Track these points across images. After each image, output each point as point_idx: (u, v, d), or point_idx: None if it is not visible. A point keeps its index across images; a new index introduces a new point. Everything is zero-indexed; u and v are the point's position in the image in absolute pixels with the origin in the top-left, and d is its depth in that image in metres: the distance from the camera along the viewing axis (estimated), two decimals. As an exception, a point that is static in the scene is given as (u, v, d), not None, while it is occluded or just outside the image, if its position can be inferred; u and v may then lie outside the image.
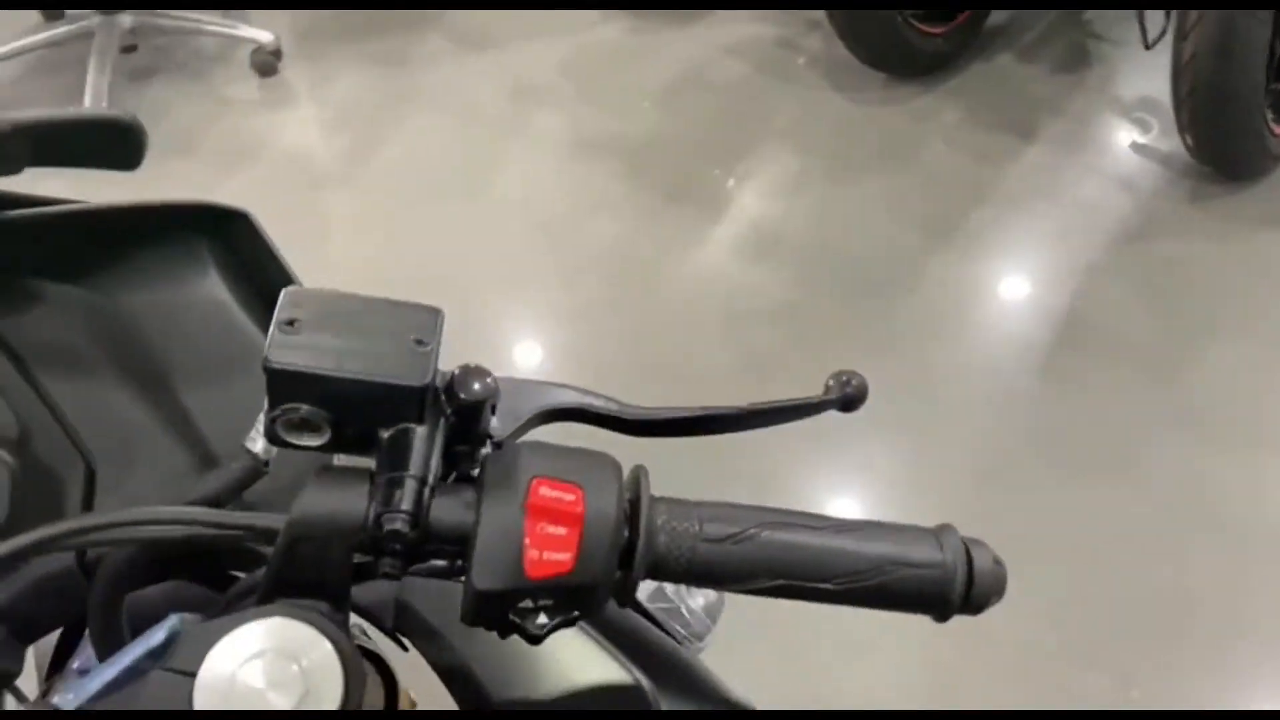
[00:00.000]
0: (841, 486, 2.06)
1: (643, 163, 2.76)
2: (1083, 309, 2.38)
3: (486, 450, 0.60)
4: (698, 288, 2.45)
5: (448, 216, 2.63)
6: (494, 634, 0.62)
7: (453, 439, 0.58)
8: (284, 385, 0.55)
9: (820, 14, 2.88)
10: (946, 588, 0.54)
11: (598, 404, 0.68)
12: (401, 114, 2.94)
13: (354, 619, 0.77)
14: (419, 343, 0.57)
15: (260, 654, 0.54)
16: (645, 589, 1.19)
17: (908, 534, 0.56)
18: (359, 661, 0.56)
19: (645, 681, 0.75)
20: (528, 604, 0.55)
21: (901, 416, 2.08)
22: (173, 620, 0.58)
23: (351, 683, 0.56)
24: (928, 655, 1.78)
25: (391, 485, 0.55)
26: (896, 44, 2.76)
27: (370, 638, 0.82)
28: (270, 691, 0.53)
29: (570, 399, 0.68)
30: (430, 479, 0.56)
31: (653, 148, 2.80)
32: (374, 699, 0.83)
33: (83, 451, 0.79)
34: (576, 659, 0.76)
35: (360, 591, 0.80)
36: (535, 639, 0.56)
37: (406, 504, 0.54)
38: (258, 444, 0.68)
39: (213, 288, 0.54)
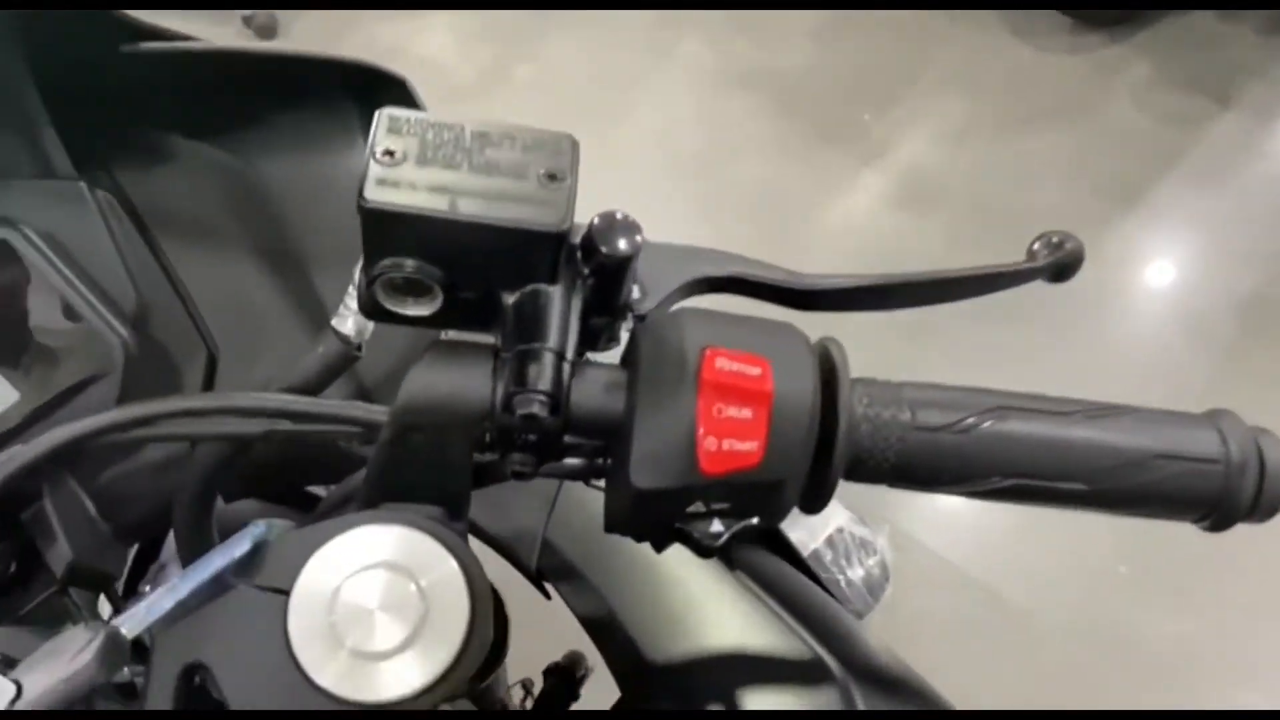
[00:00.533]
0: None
1: (794, 100, 2.58)
2: (1273, 296, 2.14)
3: (628, 324, 0.50)
4: (844, 237, 2.29)
5: (582, 141, 2.48)
6: (649, 584, 0.49)
7: (588, 309, 0.48)
8: (384, 233, 0.45)
9: (1002, -49, 2.65)
10: (1232, 488, 0.45)
11: (760, 272, 0.56)
12: (544, 30, 2.80)
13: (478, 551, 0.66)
14: (551, 177, 0.45)
15: (369, 568, 0.46)
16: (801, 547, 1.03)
17: (1179, 422, 0.47)
18: (486, 584, 0.47)
19: (829, 656, 0.61)
20: (699, 507, 0.46)
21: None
22: (259, 526, 0.47)
23: (478, 611, 0.46)
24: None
25: (524, 360, 0.45)
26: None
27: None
28: (382, 613, 0.44)
29: (726, 265, 0.55)
30: (569, 353, 0.46)
31: (805, 85, 2.62)
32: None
33: (204, 334, 0.69)
34: (745, 621, 0.63)
35: (497, 521, 0.68)
36: (708, 550, 0.47)
37: (544, 382, 0.44)
38: (348, 322, 0.56)
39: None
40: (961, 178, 2.38)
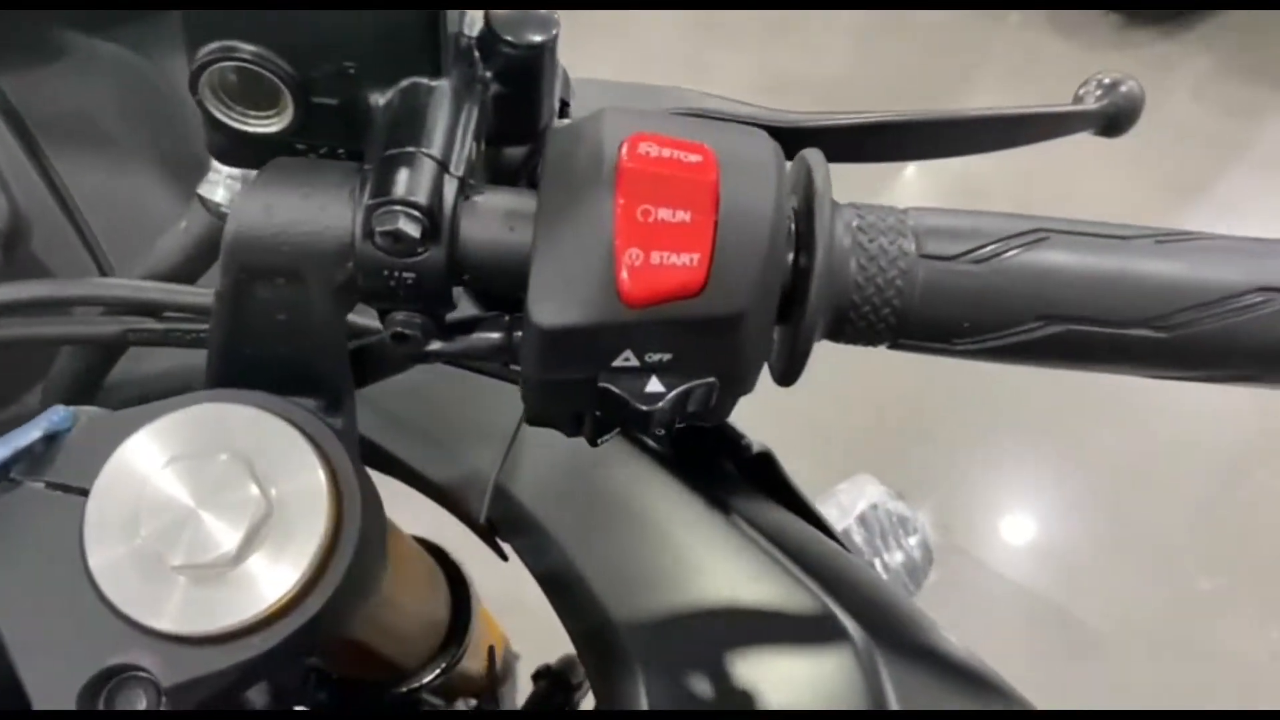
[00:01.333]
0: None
1: (834, 108, 2.46)
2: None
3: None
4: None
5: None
6: (619, 530, 0.41)
7: (496, 133, 0.39)
8: (203, 10, 0.34)
9: (1046, -50, 2.54)
10: None
11: (730, 108, 0.45)
12: (571, 42, 2.73)
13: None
14: None
15: (190, 456, 0.35)
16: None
17: (1273, 247, 0.35)
18: (357, 482, 0.37)
19: (844, 614, 0.49)
20: (627, 358, 0.34)
21: (1134, 412, 1.74)
22: (58, 413, 0.36)
23: (345, 512, 0.36)
24: None
25: (389, 166, 0.34)
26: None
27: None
28: (205, 513, 0.34)
29: (685, 100, 0.45)
30: (455, 165, 0.35)
31: (846, 92, 2.51)
32: (423, 595, 0.60)
33: (94, 252, 0.59)
34: (740, 570, 0.52)
35: (441, 466, 0.57)
36: (643, 422, 0.35)
37: (415, 191, 0.33)
38: (218, 188, 0.45)
39: None
40: (1014, 177, 2.25)
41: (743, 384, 0.36)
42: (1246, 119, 2.32)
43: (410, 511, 0.58)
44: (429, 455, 0.58)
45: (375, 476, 0.40)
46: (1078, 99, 0.51)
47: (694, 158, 0.33)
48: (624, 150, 0.33)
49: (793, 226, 0.35)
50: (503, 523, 0.57)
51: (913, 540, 0.94)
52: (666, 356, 0.34)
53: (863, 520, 0.95)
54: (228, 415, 0.36)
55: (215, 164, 0.46)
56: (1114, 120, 0.49)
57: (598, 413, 0.37)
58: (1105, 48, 2.51)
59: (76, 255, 0.58)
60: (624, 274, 0.32)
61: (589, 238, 0.33)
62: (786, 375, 0.36)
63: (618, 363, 0.34)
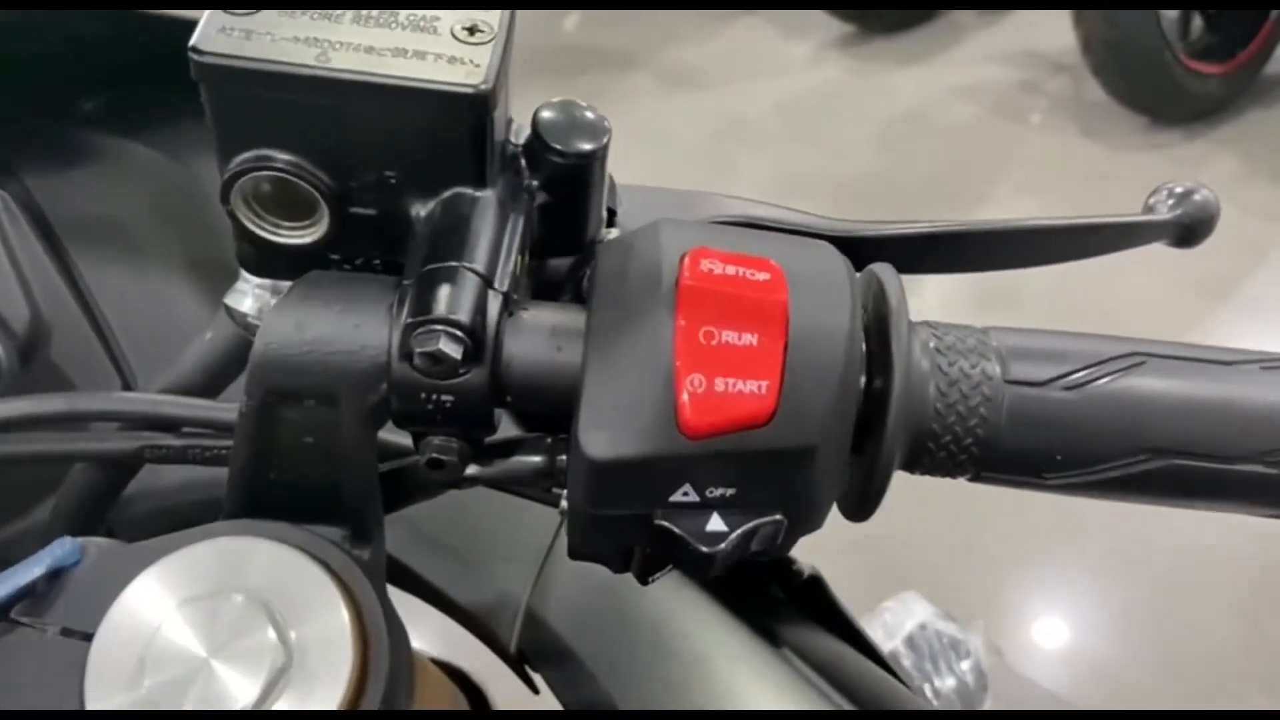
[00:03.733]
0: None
1: (862, 208, 2.47)
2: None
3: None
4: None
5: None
6: (661, 662, 0.42)
7: (541, 245, 0.37)
8: (233, 106, 0.33)
9: (1067, 56, 2.58)
10: None
11: (783, 216, 0.42)
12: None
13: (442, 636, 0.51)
14: (471, 30, 0.33)
15: (203, 598, 0.32)
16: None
17: None
18: (384, 621, 0.34)
19: None
20: (688, 493, 0.31)
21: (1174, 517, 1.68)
22: (64, 546, 0.34)
23: (371, 656, 0.33)
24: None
25: (430, 281, 0.32)
26: (1164, 84, 2.41)
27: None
28: (218, 663, 0.31)
29: (734, 209, 0.42)
30: (500, 280, 0.33)
31: (869, 192, 2.52)
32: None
33: (117, 360, 0.57)
34: (787, 703, 0.48)
35: (468, 587, 0.54)
36: (705, 560, 0.31)
37: (457, 309, 0.31)
38: (246, 297, 0.43)
39: None
40: (1042, 278, 2.23)
41: (812, 521, 0.33)
42: (1271, 218, 2.31)
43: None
44: (455, 576, 0.55)
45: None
46: (1149, 209, 0.48)
47: (761, 275, 0.30)
48: (685, 266, 0.31)
49: (865, 341, 0.32)
50: (534, 651, 0.53)
51: (965, 664, 0.89)
52: (729, 491, 0.31)
53: (911, 642, 0.90)
54: (245, 550, 0.33)
55: (243, 273, 0.44)
56: (1188, 231, 0.47)
57: (649, 550, 0.34)
58: (1131, 149, 2.51)
59: (98, 364, 0.56)
60: (685, 402, 0.29)
61: (646, 361, 0.30)
62: (860, 510, 0.33)
63: (676, 498, 0.31)
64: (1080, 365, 0.32)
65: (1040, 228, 0.44)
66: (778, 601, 0.54)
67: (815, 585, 0.53)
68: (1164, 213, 0.47)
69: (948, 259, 0.44)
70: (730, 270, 0.30)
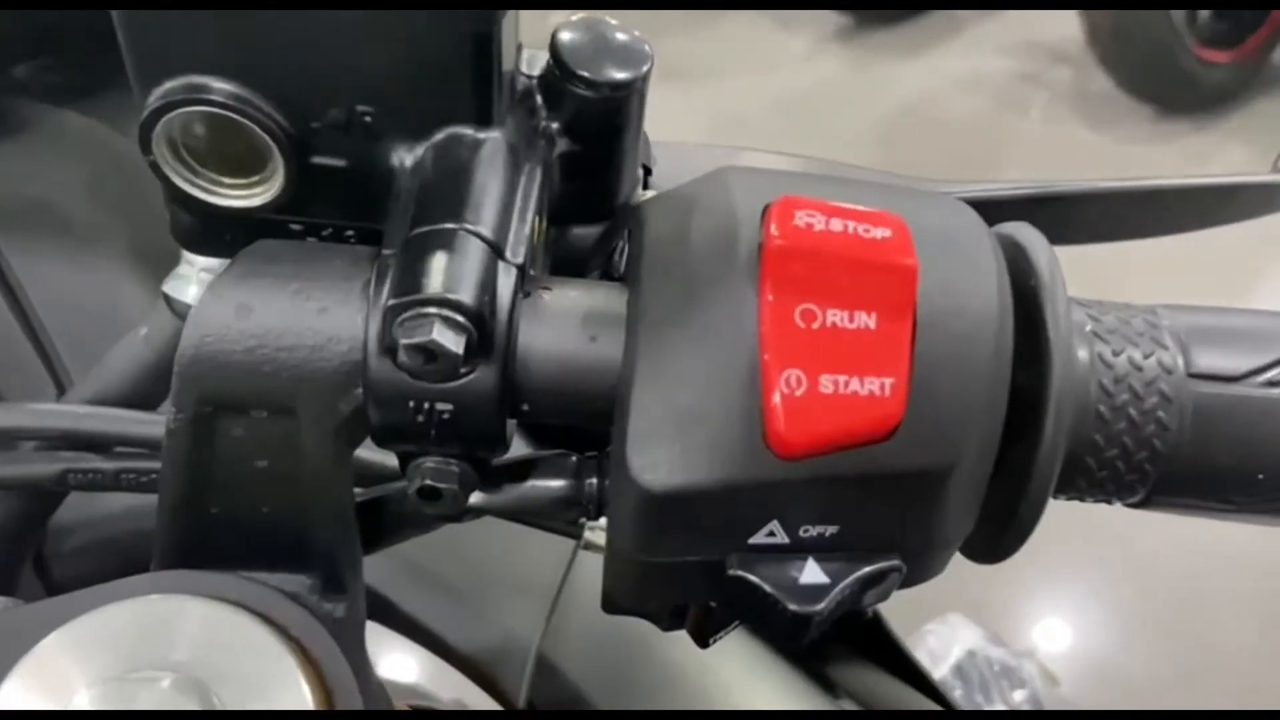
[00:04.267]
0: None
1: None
2: None
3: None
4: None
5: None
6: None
7: (561, 207, 0.29)
8: (154, 17, 0.24)
9: (1067, 46, 2.51)
10: None
11: (855, 175, 0.37)
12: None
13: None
14: None
15: (119, 679, 0.24)
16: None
17: None
18: (360, 697, 0.26)
19: None
20: (774, 534, 0.23)
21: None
22: None
23: None
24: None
25: (420, 249, 0.24)
26: (1173, 72, 2.33)
27: None
28: None
29: (795, 166, 0.37)
30: (512, 249, 0.24)
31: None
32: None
33: (51, 360, 0.49)
34: None
35: (469, 630, 0.46)
36: (796, 629, 0.23)
37: (459, 285, 0.23)
38: (189, 285, 0.35)
39: None
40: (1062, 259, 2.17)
41: (935, 565, 0.25)
42: (1290, 212, 2.24)
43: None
44: (453, 616, 0.46)
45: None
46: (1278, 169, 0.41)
47: (879, 231, 0.22)
48: (771, 221, 0.22)
49: (1010, 333, 0.24)
50: (547, 705, 0.45)
51: (1020, 694, 0.81)
52: (831, 530, 0.23)
53: (960, 671, 0.82)
54: (175, 614, 0.25)
55: (186, 255, 0.35)
56: None
57: (713, 604, 0.26)
58: (1138, 141, 2.44)
59: (28, 366, 0.48)
60: (777, 408, 0.21)
61: (720, 353, 0.22)
62: (996, 550, 0.25)
63: (759, 539, 0.23)
64: None
65: (1166, 188, 0.37)
66: (829, 639, 0.46)
67: (875, 624, 0.45)
68: None
69: (1054, 227, 0.36)
70: (836, 225, 0.22)
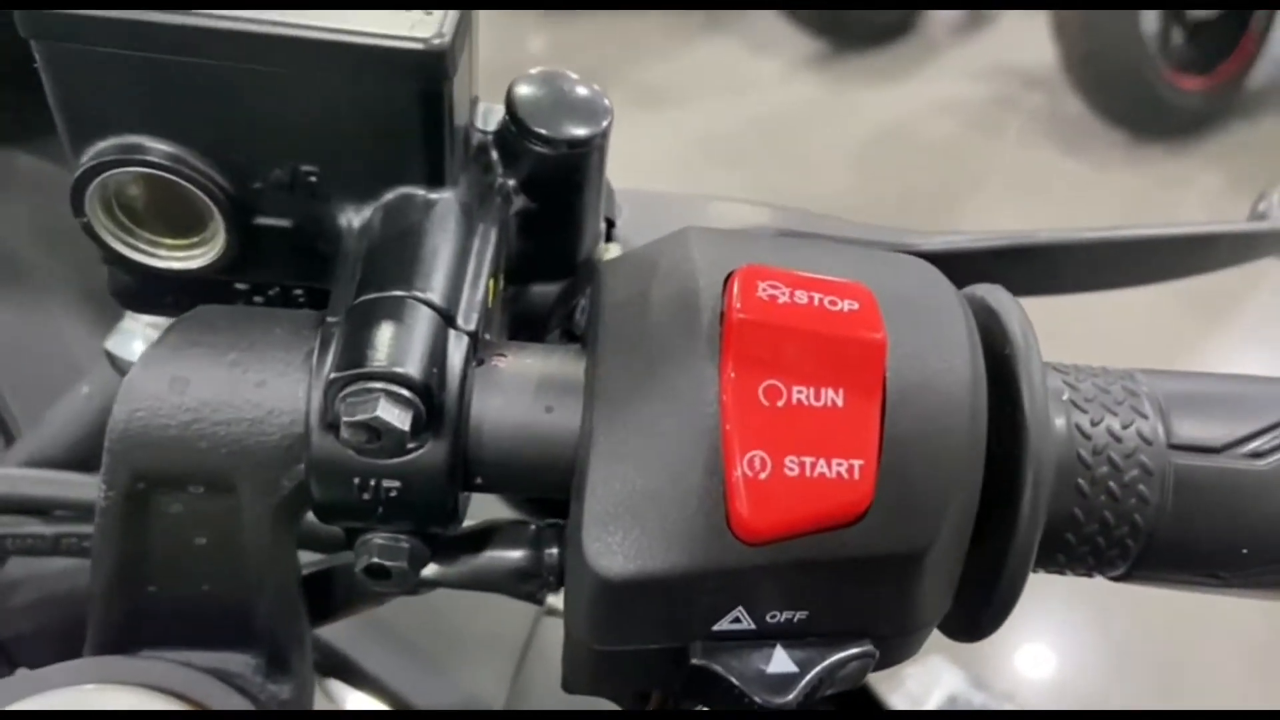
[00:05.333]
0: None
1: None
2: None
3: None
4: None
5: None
6: None
7: (519, 267, 0.27)
8: (83, 75, 0.23)
9: (1044, 71, 2.52)
10: None
11: (827, 229, 0.36)
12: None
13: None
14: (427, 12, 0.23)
15: None
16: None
17: None
18: None
19: None
20: (739, 620, 0.21)
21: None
22: None
23: None
24: None
25: (366, 318, 0.23)
26: (1146, 97, 2.35)
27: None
28: None
29: (763, 218, 0.35)
30: (464, 315, 0.23)
31: (848, 209, 2.44)
32: None
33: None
34: None
35: (430, 692, 0.45)
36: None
37: (404, 356, 0.22)
38: (133, 340, 0.34)
39: None
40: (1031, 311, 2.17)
41: (910, 647, 0.23)
42: (1263, 236, 2.26)
43: None
44: (416, 677, 0.45)
45: None
46: (1258, 215, 0.40)
47: (845, 304, 0.21)
48: (733, 291, 0.21)
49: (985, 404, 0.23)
50: (513, 768, 0.43)
51: (1001, 740, 0.80)
52: (799, 615, 0.21)
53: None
54: (107, 704, 0.23)
55: (130, 310, 0.34)
56: None
57: (680, 690, 0.24)
58: (1113, 166, 2.45)
59: None
60: (741, 491, 0.20)
61: (679, 432, 0.21)
62: (974, 628, 0.24)
63: (723, 625, 0.22)
64: (1267, 423, 0.23)
65: (1142, 239, 0.36)
66: None
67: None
68: None
69: (1032, 279, 0.35)
70: (801, 297, 0.21)
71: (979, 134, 2.65)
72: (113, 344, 0.33)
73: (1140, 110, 2.41)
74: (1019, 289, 0.37)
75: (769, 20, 2.94)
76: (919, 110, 2.74)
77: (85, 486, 0.32)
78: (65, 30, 0.22)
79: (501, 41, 3.09)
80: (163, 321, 0.34)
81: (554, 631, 0.43)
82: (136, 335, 0.33)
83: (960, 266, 0.33)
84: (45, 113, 0.48)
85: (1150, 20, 2.35)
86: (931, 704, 0.85)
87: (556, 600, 0.37)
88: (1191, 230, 0.38)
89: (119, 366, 0.33)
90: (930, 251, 0.34)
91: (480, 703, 0.43)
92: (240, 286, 0.27)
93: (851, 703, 0.46)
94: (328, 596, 0.29)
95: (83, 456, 0.34)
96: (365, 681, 0.46)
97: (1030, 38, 2.58)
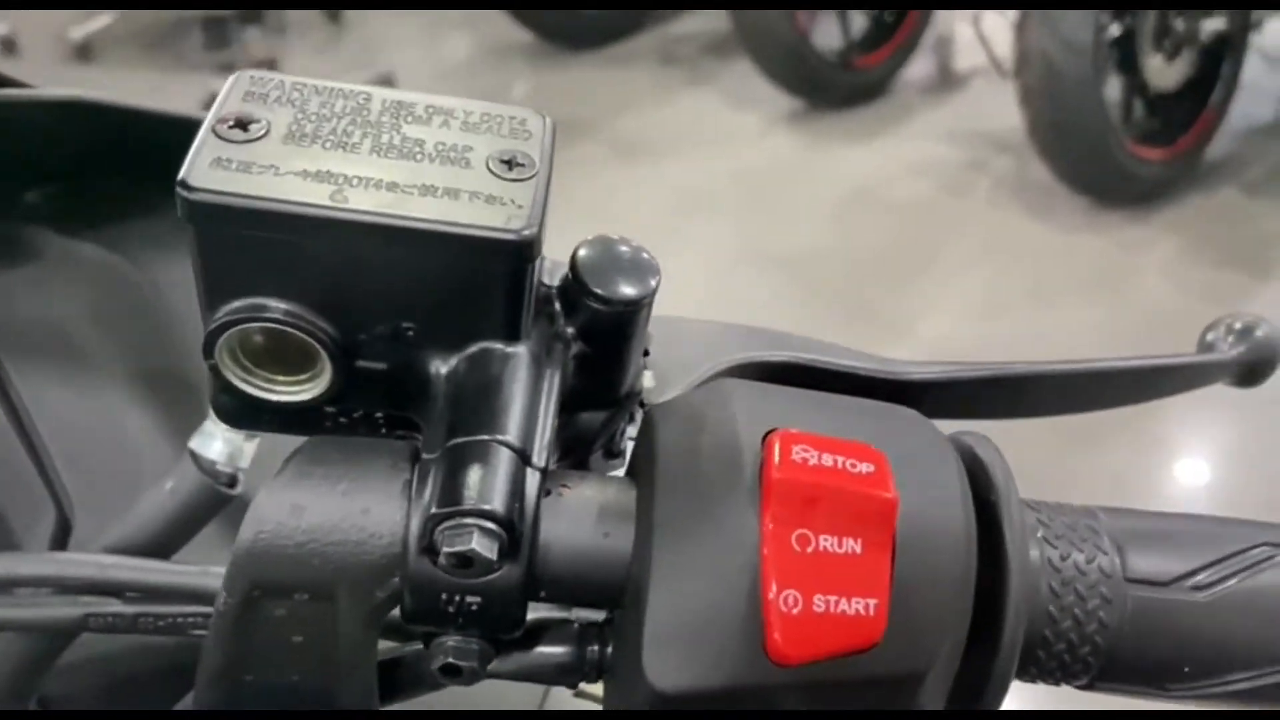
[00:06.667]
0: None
1: (813, 280, 2.47)
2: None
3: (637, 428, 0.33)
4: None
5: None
6: None
7: (573, 398, 0.32)
8: (226, 249, 0.27)
9: (1011, 136, 2.62)
10: None
11: (830, 358, 0.40)
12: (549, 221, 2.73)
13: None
14: (509, 164, 0.28)
15: None
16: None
17: None
18: None
19: None
20: None
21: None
22: None
23: None
24: None
25: (459, 460, 0.27)
26: (1108, 166, 2.45)
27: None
28: None
29: (780, 348, 0.40)
30: (538, 454, 0.28)
31: (824, 265, 2.52)
32: None
33: (54, 486, 0.50)
34: None
35: None
36: None
37: (492, 497, 0.26)
38: (214, 442, 0.38)
39: None
40: (1001, 349, 2.23)
41: None
42: (1217, 303, 2.34)
43: None
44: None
45: None
46: (1207, 346, 0.45)
47: (864, 466, 0.26)
48: (772, 453, 0.26)
49: (975, 544, 0.28)
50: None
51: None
52: None
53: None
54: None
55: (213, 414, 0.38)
56: (1253, 369, 0.44)
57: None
58: (1075, 230, 2.54)
59: (32, 496, 0.49)
60: (776, 624, 0.24)
61: (726, 568, 0.25)
62: None
63: None
64: (1208, 560, 0.28)
65: (1102, 370, 0.41)
66: None
67: None
68: (1226, 350, 0.44)
69: (1004, 404, 0.40)
70: (828, 461, 0.25)
71: (949, 195, 2.73)
72: (196, 443, 0.37)
73: (1103, 178, 2.50)
74: (997, 412, 0.42)
75: (750, 78, 3.02)
76: (893, 170, 2.82)
77: (173, 574, 0.36)
78: (219, 216, 0.26)
79: (489, 90, 3.16)
80: (241, 426, 0.38)
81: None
82: (217, 436, 0.37)
83: (943, 395, 0.38)
84: (111, 206, 0.52)
85: (1113, 91, 2.45)
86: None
87: (585, 686, 0.42)
88: (1151, 362, 0.43)
89: (201, 465, 0.37)
90: (918, 381, 0.39)
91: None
92: (329, 409, 0.31)
93: None
94: (396, 681, 0.33)
95: (162, 544, 0.38)
96: None
97: (1000, 104, 2.67)
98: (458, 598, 0.27)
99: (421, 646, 0.30)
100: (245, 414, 0.31)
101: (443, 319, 0.28)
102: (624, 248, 0.31)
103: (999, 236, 2.58)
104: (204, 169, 0.26)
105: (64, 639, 0.40)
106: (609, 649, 0.30)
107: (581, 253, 0.31)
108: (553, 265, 0.32)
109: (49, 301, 0.53)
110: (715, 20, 3.29)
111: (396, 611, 0.29)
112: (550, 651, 0.31)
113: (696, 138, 3.03)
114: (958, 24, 3.31)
